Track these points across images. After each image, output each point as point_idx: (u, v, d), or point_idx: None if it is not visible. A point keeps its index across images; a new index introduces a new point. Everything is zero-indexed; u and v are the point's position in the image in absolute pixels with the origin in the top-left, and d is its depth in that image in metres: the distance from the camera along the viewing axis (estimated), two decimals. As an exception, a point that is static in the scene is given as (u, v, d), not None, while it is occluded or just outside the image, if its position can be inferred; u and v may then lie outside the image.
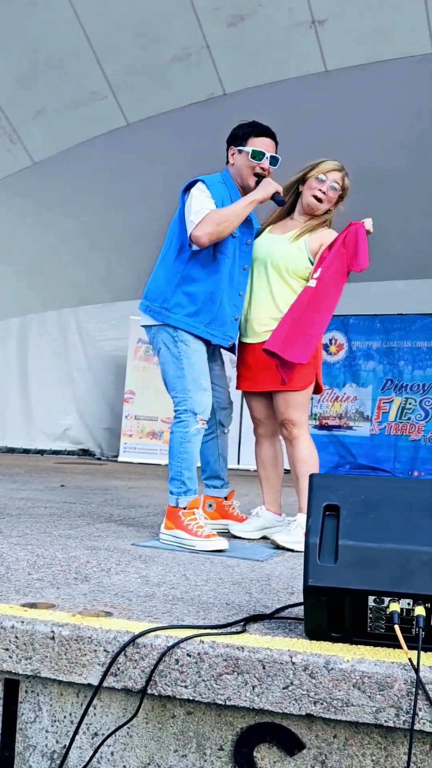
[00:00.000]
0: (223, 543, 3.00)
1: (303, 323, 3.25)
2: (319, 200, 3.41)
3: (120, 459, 9.87)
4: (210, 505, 3.56)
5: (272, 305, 3.42)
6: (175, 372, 3.26)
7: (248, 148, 3.32)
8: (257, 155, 3.31)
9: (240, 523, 3.48)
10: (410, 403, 9.52)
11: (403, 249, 9.24)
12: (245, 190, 3.36)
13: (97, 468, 8.28)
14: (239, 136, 3.37)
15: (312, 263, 3.42)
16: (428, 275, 9.60)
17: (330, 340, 9.77)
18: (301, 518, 3.27)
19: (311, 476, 1.86)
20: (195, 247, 3.21)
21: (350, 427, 9.79)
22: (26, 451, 10.69)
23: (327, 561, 1.70)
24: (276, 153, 3.39)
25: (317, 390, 3.52)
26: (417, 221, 9.06)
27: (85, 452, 10.85)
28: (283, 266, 3.40)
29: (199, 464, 3.35)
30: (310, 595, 1.70)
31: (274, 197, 3.30)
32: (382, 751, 1.64)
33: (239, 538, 3.41)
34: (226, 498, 3.60)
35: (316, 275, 3.29)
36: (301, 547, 3.16)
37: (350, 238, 3.32)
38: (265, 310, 3.43)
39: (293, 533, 3.21)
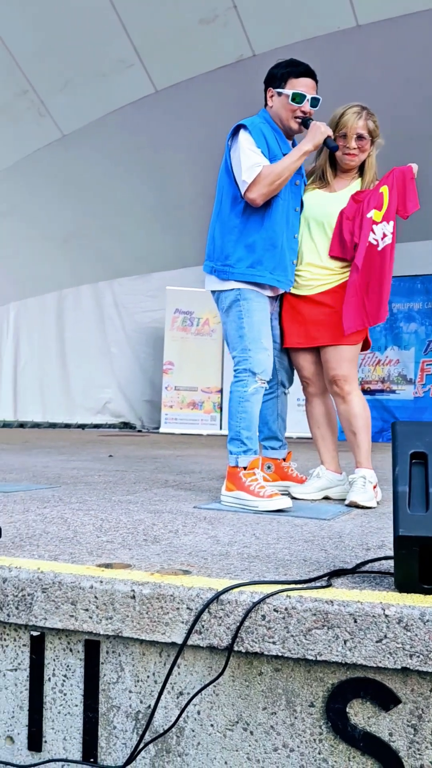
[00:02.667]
0: (286, 502, 2.94)
1: (386, 283, 3.27)
2: (351, 155, 3.35)
3: (161, 430, 9.86)
4: (268, 467, 3.50)
5: (328, 260, 3.37)
6: (236, 331, 3.20)
7: (288, 91, 3.18)
8: (297, 98, 3.17)
9: (300, 485, 3.42)
10: (454, 364, 9.37)
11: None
12: (287, 132, 3.26)
13: (141, 439, 8.27)
14: (277, 77, 3.22)
15: None
16: (468, 233, 9.39)
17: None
18: (368, 474, 3.22)
19: (394, 424, 1.78)
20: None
21: (393, 391, 9.66)
22: (67, 426, 10.72)
23: (417, 510, 1.63)
24: (316, 93, 3.26)
25: (366, 346, 3.47)
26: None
27: (126, 425, 10.85)
28: None
29: None
30: (401, 546, 1.63)
31: (326, 142, 3.17)
32: None
33: (300, 499, 3.34)
34: (284, 459, 3.54)
35: (386, 230, 3.23)
36: (315, 496, 3.35)
37: (398, 183, 3.26)
38: (320, 266, 3.38)
39: (368, 491, 3.16)
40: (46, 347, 10.81)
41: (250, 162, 3.09)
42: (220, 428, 9.49)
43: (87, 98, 9.15)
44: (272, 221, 3.20)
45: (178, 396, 9.84)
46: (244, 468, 3.06)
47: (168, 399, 9.84)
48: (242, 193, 3.14)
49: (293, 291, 3.42)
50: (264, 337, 3.19)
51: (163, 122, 9.26)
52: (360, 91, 8.27)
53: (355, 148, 3.33)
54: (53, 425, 10.72)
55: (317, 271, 3.37)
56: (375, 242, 3.25)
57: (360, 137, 3.32)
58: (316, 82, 3.26)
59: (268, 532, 2.49)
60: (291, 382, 3.57)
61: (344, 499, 3.24)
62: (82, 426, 10.70)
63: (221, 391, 9.76)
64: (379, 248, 3.27)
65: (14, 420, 10.54)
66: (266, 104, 3.30)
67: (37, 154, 9.68)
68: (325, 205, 3.37)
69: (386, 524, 2.69)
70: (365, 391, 9.75)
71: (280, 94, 3.20)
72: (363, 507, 3.11)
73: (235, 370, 3.21)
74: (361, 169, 3.43)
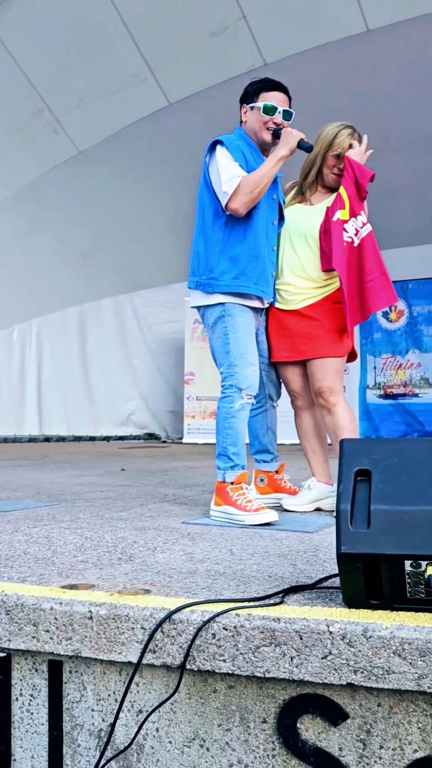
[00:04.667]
0: (272, 515, 2.97)
1: (372, 271, 3.30)
2: (340, 176, 3.41)
3: (185, 441, 9.92)
4: (261, 480, 3.53)
5: (312, 272, 3.40)
6: (222, 347, 3.23)
7: (260, 104, 3.25)
8: (269, 110, 3.24)
9: (292, 497, 3.45)
10: None
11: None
12: (262, 147, 3.32)
13: (159, 451, 8.33)
14: (250, 93, 3.31)
15: None
16: None
17: (390, 307, 9.57)
18: (311, 482, 3.43)
19: (342, 441, 1.81)
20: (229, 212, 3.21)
21: (416, 395, 9.60)
22: (92, 439, 10.82)
23: (360, 527, 1.65)
24: (290, 107, 3.32)
25: (352, 357, 3.50)
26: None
27: (151, 436, 10.93)
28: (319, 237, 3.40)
29: (247, 440, 3.32)
30: (345, 563, 1.65)
31: (300, 145, 3.22)
32: (428, 719, 1.59)
33: (292, 511, 3.37)
34: (276, 472, 3.56)
35: (356, 225, 3.27)
36: (306, 508, 3.39)
37: (347, 173, 3.34)
38: (305, 278, 3.40)
39: (302, 496, 3.40)
40: (69, 361, 10.93)
41: (229, 174, 3.15)
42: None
43: (101, 114, 9.25)
44: (254, 233, 3.24)
45: (200, 406, 9.89)
46: (231, 483, 3.09)
47: (190, 409, 9.90)
48: (224, 206, 3.18)
49: (279, 306, 3.45)
50: (249, 352, 3.22)
51: (178, 134, 9.33)
52: (371, 94, 8.31)
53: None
54: (78, 438, 10.84)
55: (302, 284, 3.40)
56: (350, 239, 3.28)
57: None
58: (290, 98, 3.33)
59: (245, 547, 2.52)
60: (279, 395, 3.60)
61: (333, 511, 3.26)
62: (107, 438, 10.80)
63: (242, 399, 9.80)
64: (356, 244, 3.29)
65: (40, 434, 10.68)
66: (241, 122, 3.36)
67: (54, 171, 9.80)
68: (305, 218, 3.42)
69: (368, 536, 2.70)
70: (388, 396, 9.70)
71: (252, 108, 3.28)
72: (290, 511, 3.23)
73: (222, 386, 3.24)
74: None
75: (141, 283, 10.80)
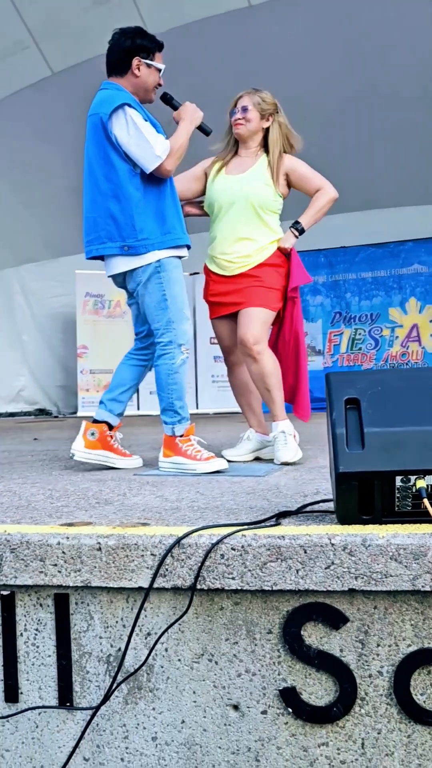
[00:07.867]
0: (222, 463, 3.11)
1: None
2: (238, 126, 3.61)
3: (79, 414, 9.88)
4: (92, 434, 3.40)
5: (252, 238, 3.55)
6: (157, 304, 3.26)
7: (159, 65, 3.31)
8: (160, 72, 3.34)
9: (232, 448, 3.60)
10: (360, 334, 9.73)
11: (340, 183, 9.35)
12: (143, 101, 3.35)
13: (61, 423, 8.30)
14: (147, 48, 3.28)
15: (280, 196, 3.60)
16: (367, 207, 9.72)
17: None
18: (285, 426, 3.43)
19: (327, 375, 1.97)
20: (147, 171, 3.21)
21: (304, 362, 9.98)
22: (-19, 416, 10.61)
23: (354, 448, 1.82)
24: None
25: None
26: (353, 154, 9.14)
27: (42, 412, 10.81)
28: (257, 203, 3.55)
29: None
30: (342, 482, 1.82)
31: (201, 127, 3.42)
32: (419, 616, 1.79)
33: (232, 461, 3.52)
34: (113, 428, 3.47)
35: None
36: (247, 457, 3.60)
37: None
38: (246, 245, 3.55)
39: (290, 446, 3.36)
40: None
41: (155, 137, 3.19)
42: (138, 408, 9.57)
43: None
44: (168, 187, 3.33)
45: (94, 379, 9.87)
46: (180, 436, 3.20)
47: (84, 383, 9.87)
48: (155, 167, 3.17)
49: (221, 272, 3.55)
50: (185, 307, 3.31)
51: (62, 105, 9.19)
52: (254, 69, 8.49)
53: (241, 117, 3.58)
54: (-34, 416, 10.60)
55: (242, 249, 3.53)
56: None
57: (244, 109, 3.58)
58: None
59: (211, 489, 2.66)
60: None
61: (272, 459, 3.44)
62: (-3, 415, 10.62)
63: (136, 371, 9.85)
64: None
65: None
66: (124, 73, 3.29)
67: None
68: (233, 187, 3.58)
69: (317, 476, 2.89)
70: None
71: (149, 66, 3.28)
72: (294, 463, 3.31)
73: (158, 343, 3.28)
74: (266, 149, 3.65)
75: (27, 257, 10.61)
